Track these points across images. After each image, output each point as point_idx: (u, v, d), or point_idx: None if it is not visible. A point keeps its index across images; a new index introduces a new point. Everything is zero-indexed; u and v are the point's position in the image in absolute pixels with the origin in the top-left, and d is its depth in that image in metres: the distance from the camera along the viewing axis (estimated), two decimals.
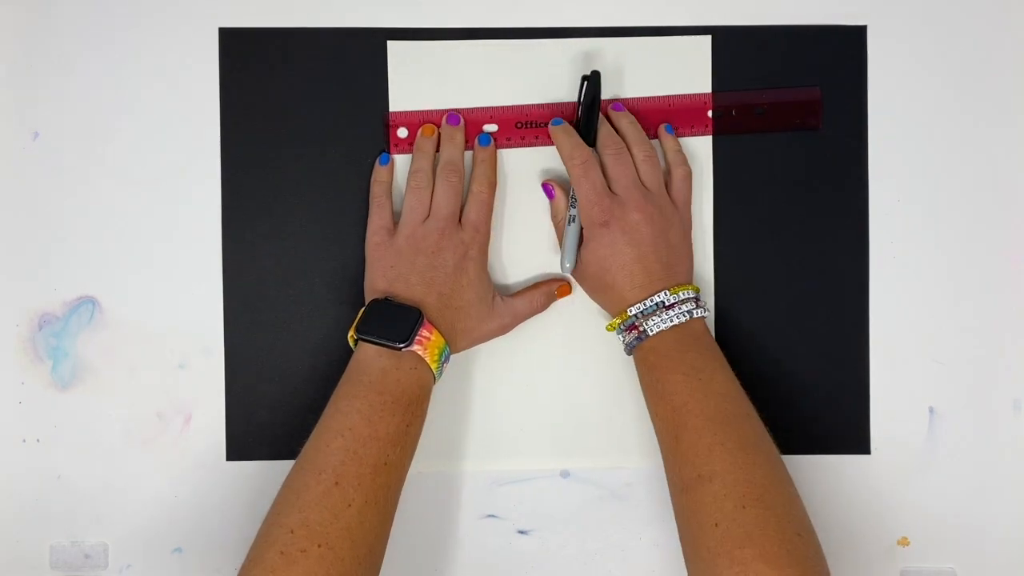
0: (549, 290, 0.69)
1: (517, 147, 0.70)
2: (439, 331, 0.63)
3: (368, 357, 0.63)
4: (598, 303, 0.68)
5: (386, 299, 0.64)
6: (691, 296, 0.65)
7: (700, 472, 0.60)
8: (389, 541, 0.62)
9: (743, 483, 0.59)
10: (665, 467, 0.63)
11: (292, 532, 0.57)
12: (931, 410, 0.70)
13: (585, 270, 0.67)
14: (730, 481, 0.59)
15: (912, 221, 0.70)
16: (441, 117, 0.69)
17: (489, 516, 0.70)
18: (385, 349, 0.62)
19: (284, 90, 0.69)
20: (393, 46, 0.69)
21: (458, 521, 0.70)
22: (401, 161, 0.69)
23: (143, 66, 0.69)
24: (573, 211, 0.67)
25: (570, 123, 0.68)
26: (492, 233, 0.69)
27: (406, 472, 0.63)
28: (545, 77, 0.69)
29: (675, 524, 0.62)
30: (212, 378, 0.69)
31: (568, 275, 0.68)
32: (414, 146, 0.69)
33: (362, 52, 0.69)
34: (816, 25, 0.70)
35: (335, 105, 0.69)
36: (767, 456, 0.61)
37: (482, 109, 0.69)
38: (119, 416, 0.69)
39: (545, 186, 0.69)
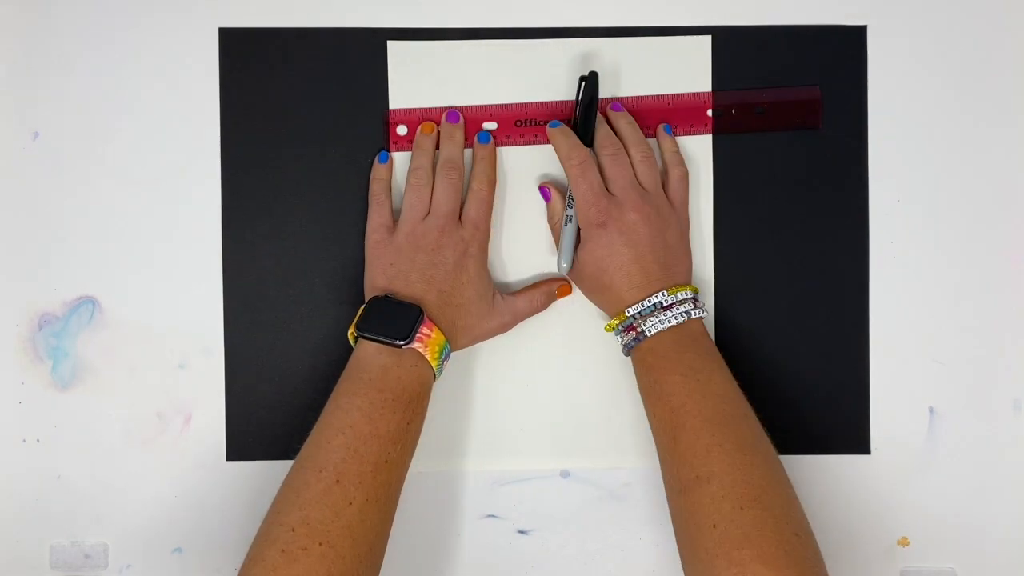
0: (549, 289, 0.69)
1: (517, 145, 0.70)
2: (439, 328, 0.63)
3: (368, 354, 0.63)
4: (596, 304, 0.68)
5: (386, 296, 0.64)
6: (689, 297, 0.65)
7: (698, 473, 0.60)
8: (389, 541, 0.62)
9: (741, 484, 0.59)
10: (662, 468, 0.63)
11: (293, 530, 0.57)
12: (931, 410, 0.70)
13: (582, 271, 0.67)
14: (728, 482, 0.59)
15: (912, 221, 0.70)
16: (441, 115, 0.69)
17: (489, 516, 0.70)
18: (385, 346, 0.62)
19: (284, 90, 0.69)
20: (393, 46, 0.69)
21: (458, 521, 0.70)
22: (400, 159, 0.69)
23: (143, 66, 0.69)
24: (570, 211, 0.67)
25: (568, 123, 0.68)
26: (492, 231, 0.69)
27: (407, 470, 0.63)
28: (546, 77, 0.69)
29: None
30: (212, 378, 0.69)
31: (565, 275, 0.68)
32: (413, 143, 0.69)
33: (362, 52, 0.69)
34: (816, 25, 0.70)
35: (335, 105, 0.69)
36: (765, 457, 0.61)
37: (482, 107, 0.69)
38: (119, 416, 0.69)
39: (542, 188, 0.69)
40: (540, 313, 0.69)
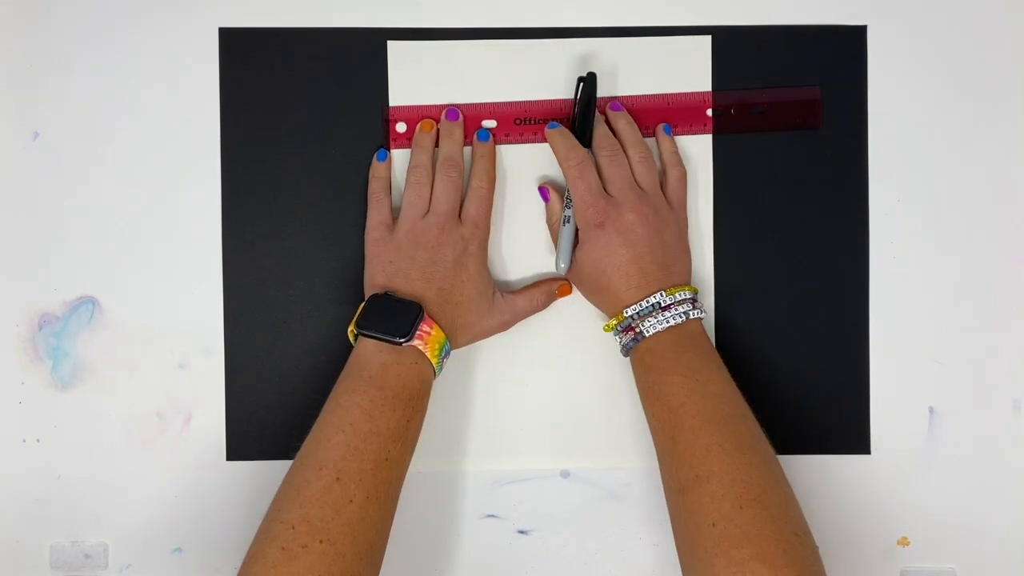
0: (550, 289, 0.69)
1: (516, 143, 0.70)
2: (439, 326, 0.63)
3: (368, 352, 0.63)
4: (595, 304, 0.68)
5: (386, 294, 0.64)
6: (688, 297, 0.65)
7: (697, 473, 0.60)
8: (389, 541, 0.62)
9: (740, 483, 0.59)
10: (661, 468, 0.63)
11: (293, 528, 0.57)
12: (931, 410, 0.70)
13: (581, 271, 0.67)
14: (727, 481, 0.59)
15: (912, 221, 0.70)
16: (440, 112, 0.69)
17: (489, 516, 0.70)
18: (385, 344, 0.62)
19: (284, 90, 0.69)
20: (393, 46, 0.69)
21: (458, 521, 0.70)
22: (400, 156, 0.69)
23: (143, 66, 0.69)
24: (568, 212, 0.67)
25: (566, 123, 0.68)
26: (491, 229, 0.69)
27: (407, 468, 0.63)
28: (546, 77, 0.69)
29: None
30: (212, 378, 0.69)
31: (563, 276, 0.68)
32: (413, 141, 0.69)
33: (362, 52, 0.69)
34: (816, 25, 0.70)
35: (335, 105, 0.69)
36: (764, 457, 0.61)
37: (481, 105, 0.69)
38: (119, 416, 0.69)
39: (541, 189, 0.69)
40: (540, 313, 0.69)
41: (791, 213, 0.70)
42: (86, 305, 0.69)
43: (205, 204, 0.69)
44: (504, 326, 0.68)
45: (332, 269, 0.70)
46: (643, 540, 0.70)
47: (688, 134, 0.70)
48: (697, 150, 0.70)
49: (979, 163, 0.70)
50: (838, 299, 0.70)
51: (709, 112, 0.70)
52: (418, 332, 0.62)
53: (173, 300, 0.69)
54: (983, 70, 0.70)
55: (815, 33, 0.70)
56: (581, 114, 0.67)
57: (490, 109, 0.69)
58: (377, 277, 0.66)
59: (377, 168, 0.69)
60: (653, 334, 0.64)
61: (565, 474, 0.70)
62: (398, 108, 0.69)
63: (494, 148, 0.69)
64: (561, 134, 0.67)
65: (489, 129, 0.69)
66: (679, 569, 0.61)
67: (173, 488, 0.69)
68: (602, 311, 0.68)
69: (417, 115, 0.69)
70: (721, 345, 0.69)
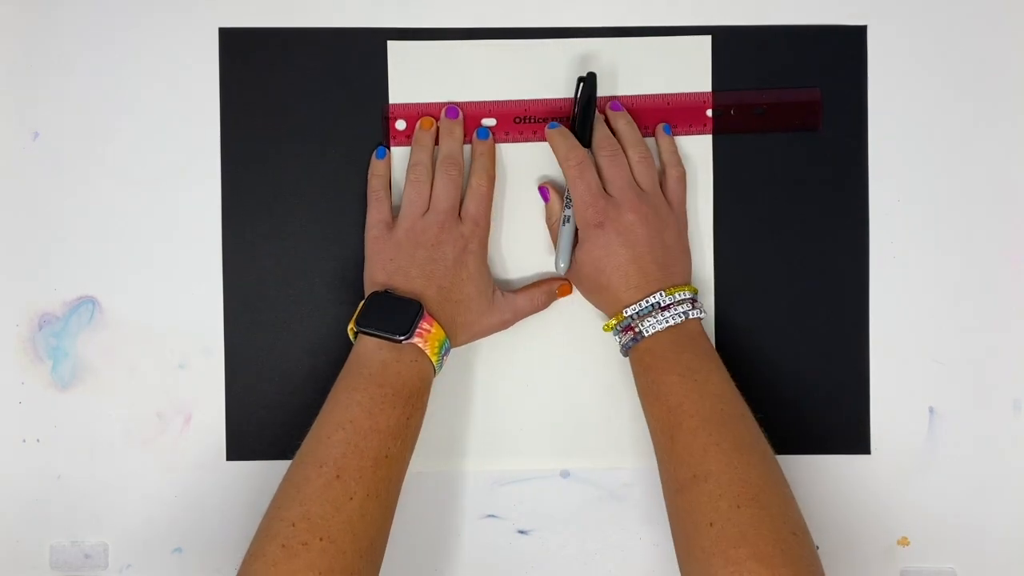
0: (550, 289, 0.69)
1: (516, 142, 0.70)
2: (439, 324, 0.63)
3: (368, 350, 0.63)
4: (594, 304, 0.68)
5: (386, 292, 0.64)
6: (687, 297, 0.65)
7: (695, 472, 0.60)
8: (390, 541, 0.61)
9: (738, 483, 0.59)
10: (659, 468, 0.63)
11: (293, 525, 0.57)
12: (931, 410, 0.70)
13: (580, 271, 0.67)
14: (725, 481, 0.59)
15: (912, 221, 0.70)
16: (440, 110, 0.69)
17: (489, 516, 0.70)
18: (385, 342, 0.62)
19: (284, 90, 0.69)
20: (393, 46, 0.69)
21: (458, 521, 0.70)
22: (399, 154, 0.69)
23: (143, 66, 0.69)
24: (568, 211, 0.67)
25: (566, 123, 0.68)
26: (491, 228, 0.69)
27: (407, 465, 0.63)
28: (546, 78, 0.69)
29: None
30: (212, 378, 0.69)
31: (562, 275, 0.68)
32: (412, 139, 0.69)
33: (362, 52, 0.69)
34: (816, 25, 0.70)
35: (335, 105, 0.69)
36: (762, 456, 0.61)
37: (481, 103, 0.69)
38: (119, 416, 0.69)
39: (541, 189, 0.69)
40: (540, 312, 0.69)
41: (791, 213, 0.70)
42: (86, 305, 0.69)
43: (205, 204, 0.69)
44: (504, 325, 0.68)
45: (332, 269, 0.70)
46: (643, 540, 0.70)
47: (688, 134, 0.70)
48: (697, 150, 0.70)
49: (979, 163, 0.70)
50: (838, 299, 0.70)
51: (709, 112, 0.70)
52: (418, 330, 0.62)
53: (173, 300, 0.69)
54: (983, 70, 0.70)
55: (815, 33, 0.70)
56: (581, 114, 0.67)
57: (490, 107, 0.69)
58: (377, 275, 0.66)
59: (376, 166, 0.69)
60: (652, 334, 0.64)
61: (565, 474, 0.70)
62: (398, 105, 0.69)
63: (494, 146, 0.69)
64: (561, 134, 0.67)
65: (489, 127, 0.69)
66: (679, 569, 0.61)
67: (173, 488, 0.69)
68: (602, 311, 0.68)
69: (417, 113, 0.69)
70: (721, 345, 0.69)
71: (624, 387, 0.69)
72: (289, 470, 0.61)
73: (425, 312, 0.63)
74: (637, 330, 0.64)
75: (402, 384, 0.62)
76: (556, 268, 0.67)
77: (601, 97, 0.69)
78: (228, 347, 0.69)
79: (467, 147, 0.69)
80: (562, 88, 0.69)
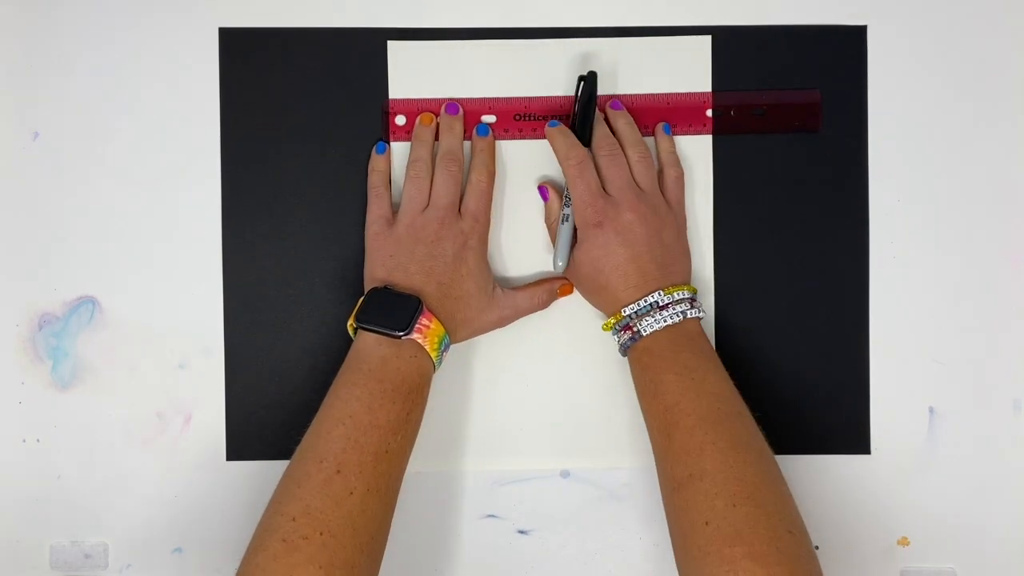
0: (551, 287, 0.69)
1: (515, 139, 0.70)
2: (439, 320, 0.63)
3: (368, 345, 0.63)
4: (593, 304, 0.68)
5: (386, 288, 0.64)
6: (686, 297, 0.65)
7: (691, 471, 0.60)
8: (389, 540, 0.61)
9: (734, 481, 0.59)
10: (657, 467, 0.63)
11: (294, 520, 0.58)
12: (931, 410, 0.70)
13: (579, 271, 0.67)
14: (721, 480, 0.59)
15: (912, 221, 0.70)
16: (440, 106, 0.69)
17: (489, 516, 0.70)
18: (385, 337, 0.62)
19: (284, 90, 0.69)
20: (393, 46, 0.69)
21: (458, 521, 0.70)
22: (399, 149, 0.69)
23: (143, 66, 0.69)
24: (567, 210, 0.67)
25: (566, 121, 0.68)
26: (491, 225, 0.69)
27: (407, 461, 0.63)
28: (546, 78, 0.69)
29: None
30: (212, 378, 0.69)
31: (560, 274, 0.68)
32: (412, 135, 0.69)
33: (362, 52, 0.69)
34: (816, 25, 0.70)
35: (335, 105, 0.69)
36: (759, 455, 0.61)
37: (480, 100, 0.69)
38: (119, 416, 0.69)
39: (541, 188, 0.69)
40: (540, 312, 0.69)
41: (791, 213, 0.70)
42: (86, 305, 0.69)
43: (205, 204, 0.69)
44: (503, 321, 0.68)
45: (332, 269, 0.70)
46: (643, 540, 0.70)
47: (688, 134, 0.70)
48: (697, 150, 0.70)
49: (979, 163, 0.70)
50: (838, 299, 0.70)
51: (709, 112, 0.70)
52: (417, 326, 0.62)
53: (173, 300, 0.69)
54: (983, 70, 0.70)
55: (815, 33, 0.70)
56: (581, 113, 0.67)
57: (489, 104, 0.69)
58: (376, 271, 0.66)
59: (376, 161, 0.69)
60: (650, 333, 0.64)
61: (565, 474, 0.70)
62: (398, 101, 0.69)
63: (494, 143, 0.69)
64: (561, 133, 0.67)
65: (489, 124, 0.69)
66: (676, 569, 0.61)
67: (173, 488, 0.69)
68: (600, 310, 0.68)
69: (417, 108, 0.69)
70: (721, 345, 0.69)
71: (624, 387, 0.69)
72: (289, 466, 0.61)
73: (424, 308, 0.63)
74: (635, 329, 0.64)
75: (402, 380, 0.62)
76: (554, 267, 0.67)
77: (601, 96, 0.69)
78: (228, 347, 0.69)
79: (467, 143, 0.69)
80: (562, 88, 0.69)
